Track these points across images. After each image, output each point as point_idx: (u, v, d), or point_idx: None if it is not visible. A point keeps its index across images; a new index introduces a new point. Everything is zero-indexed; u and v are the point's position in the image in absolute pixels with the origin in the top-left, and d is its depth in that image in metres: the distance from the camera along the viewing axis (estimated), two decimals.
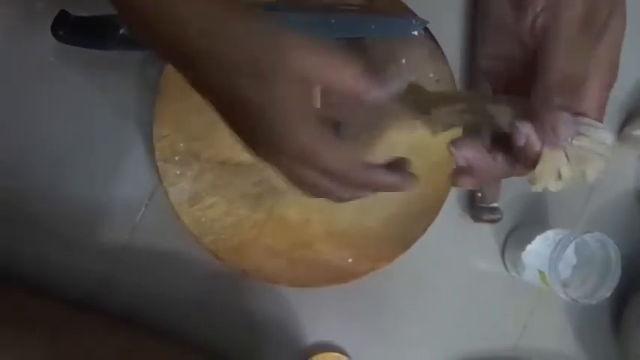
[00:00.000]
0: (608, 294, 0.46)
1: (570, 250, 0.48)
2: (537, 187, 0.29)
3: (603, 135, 0.26)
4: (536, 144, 0.25)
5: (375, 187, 0.29)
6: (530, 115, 0.25)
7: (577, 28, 0.24)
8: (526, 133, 0.25)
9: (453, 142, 0.29)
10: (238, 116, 0.29)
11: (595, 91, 0.25)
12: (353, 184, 0.29)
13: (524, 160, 0.26)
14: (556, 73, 0.23)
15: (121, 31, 0.40)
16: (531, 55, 0.26)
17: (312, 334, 0.49)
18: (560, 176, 0.27)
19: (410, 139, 0.48)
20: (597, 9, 0.24)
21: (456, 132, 0.31)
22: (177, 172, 0.45)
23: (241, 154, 0.45)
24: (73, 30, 0.40)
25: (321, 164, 0.28)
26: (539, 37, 0.25)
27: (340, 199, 0.30)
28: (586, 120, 0.26)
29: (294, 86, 0.26)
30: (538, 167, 0.27)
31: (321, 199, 0.37)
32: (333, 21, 0.46)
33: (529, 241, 0.49)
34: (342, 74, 0.27)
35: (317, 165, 0.28)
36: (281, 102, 0.27)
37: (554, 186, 0.28)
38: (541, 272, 0.47)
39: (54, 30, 0.40)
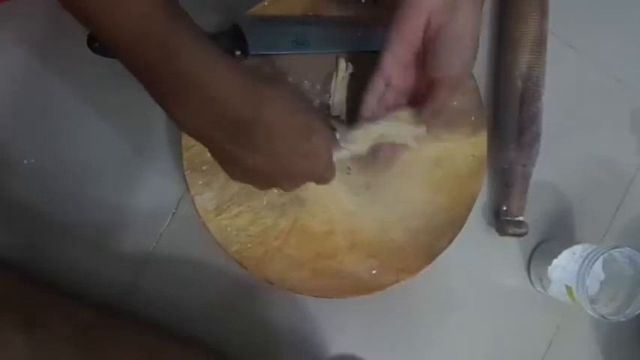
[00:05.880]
0: (638, 311, 0.45)
1: (598, 266, 0.47)
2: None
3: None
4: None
5: None
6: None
7: None
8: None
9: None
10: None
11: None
12: None
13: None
14: None
15: None
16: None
17: (335, 346, 0.49)
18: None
19: (435, 151, 0.48)
20: None
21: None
22: (204, 182, 0.45)
23: None
24: None
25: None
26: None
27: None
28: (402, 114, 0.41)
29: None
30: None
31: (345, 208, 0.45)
32: (359, 34, 0.47)
33: (555, 255, 0.48)
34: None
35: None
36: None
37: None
38: (568, 287, 0.46)
39: (90, 42, 0.42)
